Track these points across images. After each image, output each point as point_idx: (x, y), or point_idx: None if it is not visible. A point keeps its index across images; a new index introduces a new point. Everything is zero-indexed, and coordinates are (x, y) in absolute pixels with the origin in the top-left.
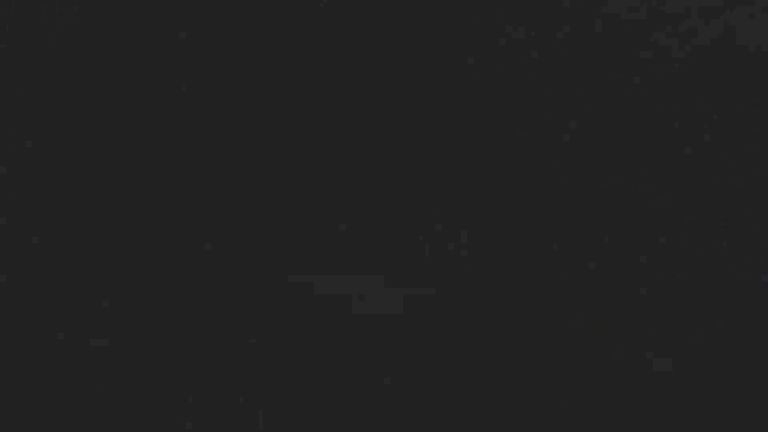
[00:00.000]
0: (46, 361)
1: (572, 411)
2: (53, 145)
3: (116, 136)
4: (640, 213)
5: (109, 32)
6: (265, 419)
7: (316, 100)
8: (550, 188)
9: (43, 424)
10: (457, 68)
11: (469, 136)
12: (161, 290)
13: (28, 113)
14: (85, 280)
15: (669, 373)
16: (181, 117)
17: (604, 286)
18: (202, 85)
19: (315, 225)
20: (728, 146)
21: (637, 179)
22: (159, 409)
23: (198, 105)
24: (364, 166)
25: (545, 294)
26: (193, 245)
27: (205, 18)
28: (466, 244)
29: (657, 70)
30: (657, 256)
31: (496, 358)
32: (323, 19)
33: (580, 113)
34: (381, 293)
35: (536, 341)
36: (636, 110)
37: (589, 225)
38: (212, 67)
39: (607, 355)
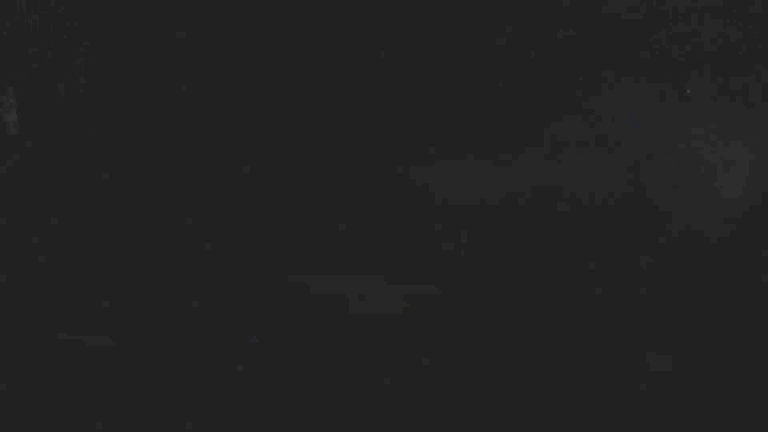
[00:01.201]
0: (46, 361)
1: (572, 410)
2: (53, 145)
3: (116, 135)
4: (639, 212)
5: (109, 31)
6: (266, 419)
7: (315, 100)
8: (551, 188)
9: (43, 424)
10: (458, 68)
11: (469, 135)
12: (161, 290)
13: (28, 113)
14: (85, 280)
15: (669, 372)
16: (181, 117)
17: (604, 286)
18: (202, 85)
19: (315, 225)
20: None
21: (636, 179)
22: (159, 409)
23: (198, 105)
24: (364, 165)
25: (545, 293)
26: (193, 245)
27: (205, 18)
28: (466, 244)
29: (656, 70)
30: (657, 256)
31: (496, 357)
32: (321, 17)
33: (580, 113)
34: (381, 293)
35: (536, 341)
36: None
37: (587, 224)
38: (212, 67)
39: (606, 355)
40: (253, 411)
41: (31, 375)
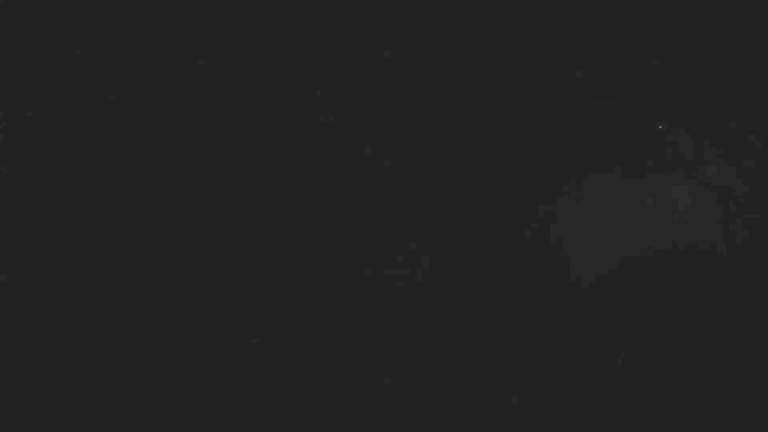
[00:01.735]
0: (46, 361)
1: (573, 410)
2: (53, 145)
3: (116, 134)
4: (638, 211)
5: (109, 31)
6: (266, 419)
7: (315, 99)
8: (551, 188)
9: (43, 424)
10: (458, 69)
11: (469, 135)
12: (162, 290)
13: (28, 113)
14: (85, 280)
15: (669, 372)
16: (181, 117)
17: (605, 284)
18: (202, 85)
19: (315, 225)
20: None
21: (635, 179)
22: (158, 409)
23: (198, 105)
24: (364, 165)
25: (545, 293)
26: (193, 245)
27: (206, 18)
28: (466, 244)
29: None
30: (657, 256)
31: (497, 357)
32: (321, 17)
33: (581, 113)
34: (383, 292)
35: (536, 340)
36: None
37: (586, 223)
38: (212, 67)
39: (606, 354)
40: (253, 411)
41: (31, 375)
